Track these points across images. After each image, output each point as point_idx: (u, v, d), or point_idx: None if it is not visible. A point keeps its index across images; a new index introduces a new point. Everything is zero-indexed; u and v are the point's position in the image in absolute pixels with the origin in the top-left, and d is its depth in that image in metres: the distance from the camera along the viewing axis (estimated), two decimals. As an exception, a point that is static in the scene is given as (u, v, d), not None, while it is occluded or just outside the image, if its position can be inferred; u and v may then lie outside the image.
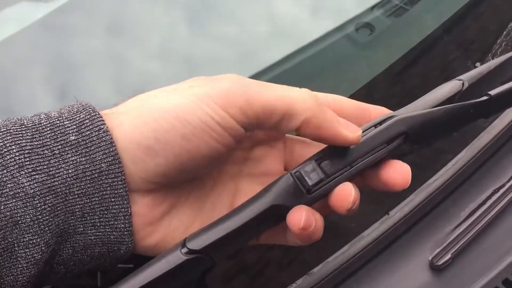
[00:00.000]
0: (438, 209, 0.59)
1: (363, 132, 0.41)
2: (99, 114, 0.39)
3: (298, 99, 0.39)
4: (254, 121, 0.39)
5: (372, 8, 0.72)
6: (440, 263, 0.54)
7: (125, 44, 0.76)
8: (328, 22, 0.73)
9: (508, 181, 0.61)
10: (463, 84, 0.43)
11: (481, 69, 0.44)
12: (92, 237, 0.39)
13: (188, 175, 0.41)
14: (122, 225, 0.39)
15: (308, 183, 0.39)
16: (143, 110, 0.39)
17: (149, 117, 0.38)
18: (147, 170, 0.39)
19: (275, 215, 0.40)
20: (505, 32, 0.68)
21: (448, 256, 0.54)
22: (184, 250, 0.39)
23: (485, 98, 0.43)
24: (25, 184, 0.36)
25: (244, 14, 0.77)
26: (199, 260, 0.39)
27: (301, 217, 0.39)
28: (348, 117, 0.42)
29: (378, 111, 0.44)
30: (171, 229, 0.42)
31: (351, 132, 0.40)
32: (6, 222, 0.36)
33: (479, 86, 0.43)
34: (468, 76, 0.43)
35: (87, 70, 0.70)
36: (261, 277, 0.58)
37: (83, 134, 0.38)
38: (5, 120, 0.38)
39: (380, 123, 0.41)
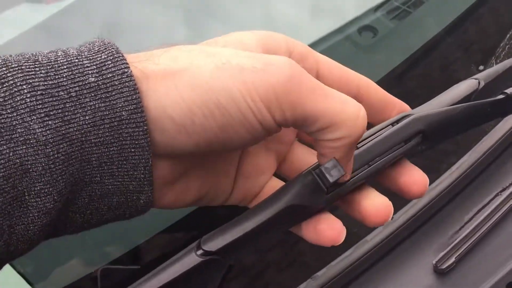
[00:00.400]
0: (442, 212, 0.59)
1: (380, 130, 0.40)
2: (122, 56, 0.35)
3: (348, 119, 0.36)
4: (290, 124, 0.37)
5: (375, 10, 0.72)
6: (444, 267, 0.54)
7: (124, 47, 0.75)
8: (330, 24, 0.73)
9: (511, 184, 0.61)
10: (479, 83, 0.43)
11: (496, 68, 0.44)
12: (110, 186, 0.37)
13: (212, 154, 0.40)
14: (142, 175, 0.37)
15: (329, 180, 0.38)
16: (183, 80, 0.35)
17: (188, 94, 0.35)
18: (173, 145, 0.36)
19: (293, 215, 0.39)
20: (508, 35, 0.68)
21: (452, 259, 0.54)
22: (199, 252, 0.38)
23: (501, 96, 0.43)
24: (37, 130, 0.33)
25: (242, 15, 0.77)
26: (214, 262, 0.38)
27: (339, 235, 0.38)
28: (371, 107, 0.41)
29: (402, 109, 0.42)
30: (185, 189, 0.41)
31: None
32: (15, 170, 0.33)
33: (495, 85, 0.43)
34: (484, 75, 0.43)
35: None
36: (260, 279, 0.58)
37: (104, 76, 0.34)
38: (18, 55, 0.35)
39: (397, 121, 0.40)
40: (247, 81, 0.35)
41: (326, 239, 0.39)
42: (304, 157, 0.44)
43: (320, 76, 0.42)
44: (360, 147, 0.39)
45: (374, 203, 0.39)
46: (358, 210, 0.39)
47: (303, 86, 0.36)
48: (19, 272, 0.54)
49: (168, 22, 0.76)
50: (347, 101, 0.36)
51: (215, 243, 0.38)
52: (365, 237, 0.55)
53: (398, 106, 0.42)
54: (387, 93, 0.43)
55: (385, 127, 0.40)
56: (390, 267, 0.55)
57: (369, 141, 0.40)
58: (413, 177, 0.40)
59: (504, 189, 0.61)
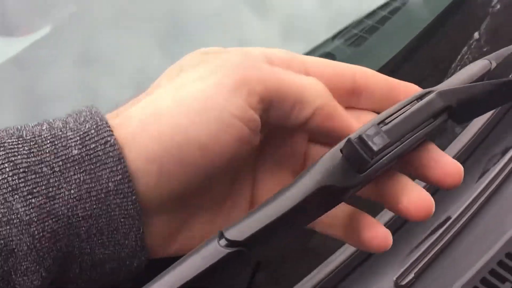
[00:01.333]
0: (402, 230, 0.60)
1: (404, 107, 0.37)
2: (106, 123, 0.34)
3: (309, 85, 0.36)
4: (267, 108, 0.35)
5: (333, 38, 0.74)
6: (404, 283, 0.55)
7: (98, 75, 0.76)
8: (297, 50, 0.75)
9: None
10: (491, 63, 0.41)
11: (505, 50, 0.43)
12: (101, 256, 0.35)
13: (211, 183, 0.37)
14: (134, 243, 0.36)
15: (373, 148, 0.33)
16: (159, 119, 0.34)
17: (168, 108, 0.34)
18: (165, 188, 0.35)
19: (323, 199, 0.34)
20: (459, 57, 0.70)
21: (412, 275, 0.55)
22: (223, 242, 0.32)
23: None
24: (20, 210, 0.32)
25: (215, 40, 0.79)
26: (241, 254, 0.32)
27: (387, 240, 0.36)
28: (374, 95, 0.39)
29: (409, 90, 0.39)
30: (190, 237, 0.38)
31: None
32: (0, 251, 0.32)
33: (505, 67, 0.42)
34: (494, 56, 0.42)
35: (59, 102, 0.70)
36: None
37: (87, 147, 0.34)
38: (3, 131, 0.34)
39: (421, 97, 0.37)
40: (211, 82, 0.35)
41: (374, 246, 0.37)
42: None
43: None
44: (388, 122, 0.36)
45: (413, 198, 0.36)
46: (398, 206, 0.37)
47: (262, 66, 0.36)
48: None
49: (142, 50, 0.77)
50: (299, 75, 0.37)
51: (240, 232, 0.32)
52: (329, 257, 0.57)
53: (404, 90, 0.39)
54: (389, 77, 0.40)
55: (409, 103, 0.37)
56: (355, 286, 0.56)
57: (396, 117, 0.36)
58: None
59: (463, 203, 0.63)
